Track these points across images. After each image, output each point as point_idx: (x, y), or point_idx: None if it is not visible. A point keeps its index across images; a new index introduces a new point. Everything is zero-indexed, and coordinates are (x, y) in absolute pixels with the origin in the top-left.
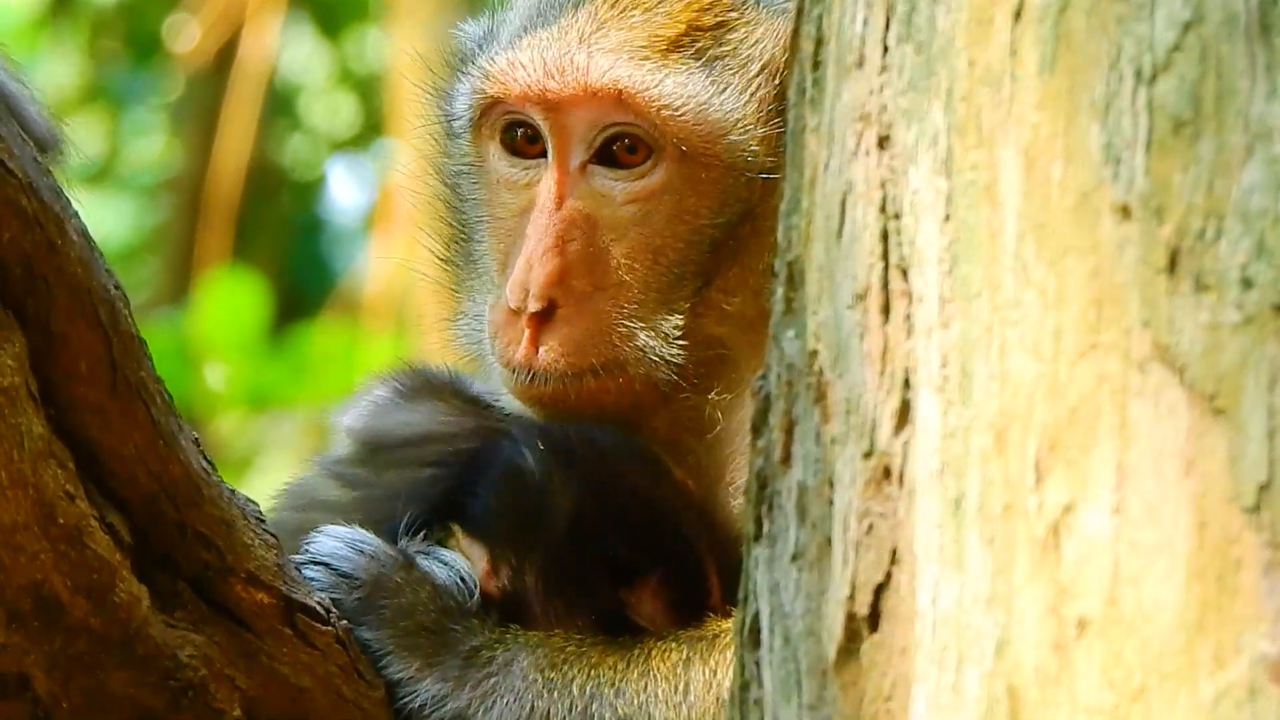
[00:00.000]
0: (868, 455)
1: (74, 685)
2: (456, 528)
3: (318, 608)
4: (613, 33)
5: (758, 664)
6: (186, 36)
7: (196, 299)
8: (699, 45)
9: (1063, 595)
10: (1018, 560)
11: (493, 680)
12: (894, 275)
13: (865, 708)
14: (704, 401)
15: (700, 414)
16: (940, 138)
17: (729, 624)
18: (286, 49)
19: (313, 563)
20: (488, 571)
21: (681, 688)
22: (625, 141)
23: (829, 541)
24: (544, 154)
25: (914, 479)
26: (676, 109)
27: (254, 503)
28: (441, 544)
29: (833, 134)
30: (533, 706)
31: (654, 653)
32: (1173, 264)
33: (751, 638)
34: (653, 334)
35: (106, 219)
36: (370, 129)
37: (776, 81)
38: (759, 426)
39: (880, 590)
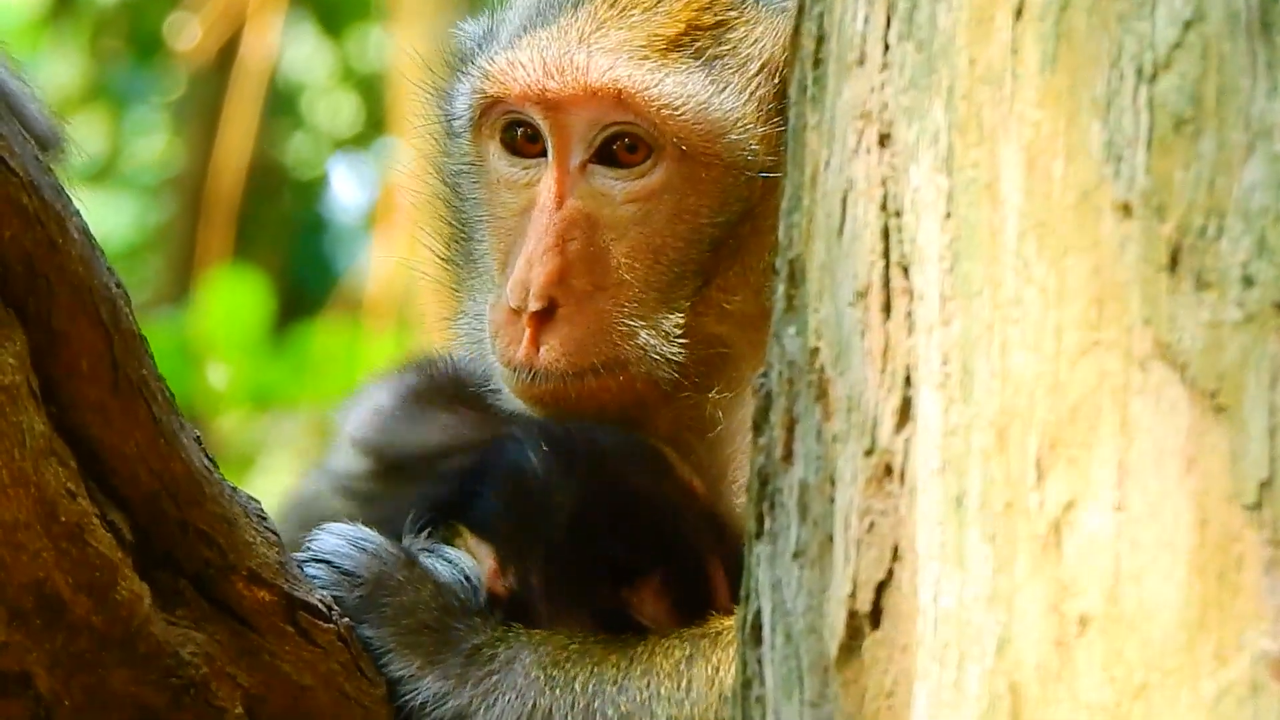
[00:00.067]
0: (869, 453)
1: (75, 683)
2: (463, 528)
3: (319, 605)
4: (612, 32)
5: (759, 661)
6: (188, 35)
7: (198, 298)
8: (698, 44)
9: (1064, 593)
10: (1019, 558)
11: (495, 678)
12: (895, 273)
13: (867, 705)
14: (705, 400)
15: (701, 412)
16: (941, 135)
17: (731, 621)
18: (288, 48)
19: (314, 560)
20: (494, 571)
21: (684, 685)
22: (625, 141)
23: (830, 539)
24: (544, 153)
25: (915, 476)
26: (676, 108)
27: (255, 500)
28: (449, 544)
29: (834, 131)
30: (535, 704)
31: (657, 650)
32: (1174, 262)
33: (753, 635)
34: (653, 333)
35: (108, 218)
36: (372, 128)
37: (776, 80)
38: (760, 424)
39: (882, 588)
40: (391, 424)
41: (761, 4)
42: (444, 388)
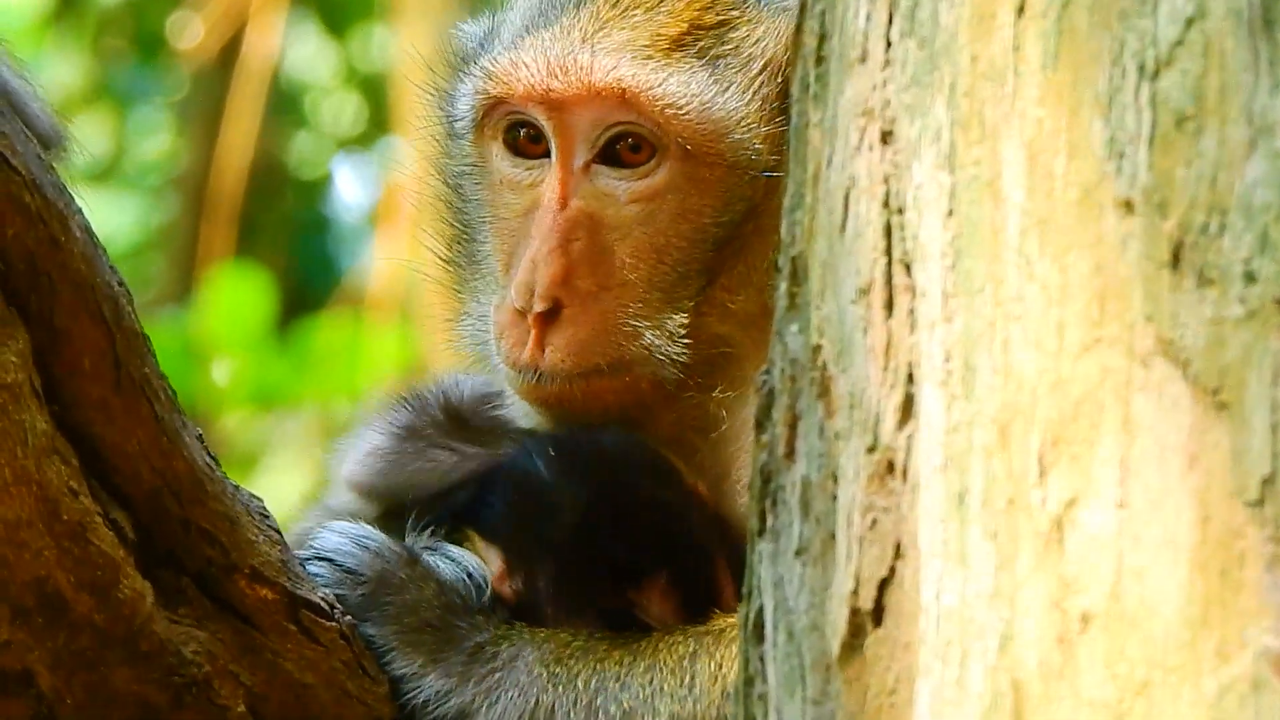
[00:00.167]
0: (871, 450)
1: (77, 682)
2: (472, 532)
3: (322, 604)
4: (615, 32)
5: (762, 659)
6: (190, 34)
7: (201, 296)
8: (701, 44)
9: (1066, 590)
10: (1021, 555)
11: (497, 675)
12: (897, 270)
13: (869, 702)
14: (708, 399)
15: (705, 412)
16: (943, 133)
17: (735, 619)
18: (292, 47)
19: (317, 558)
20: (501, 573)
21: (688, 681)
22: (629, 141)
23: (833, 536)
24: (547, 154)
25: (917, 474)
26: (680, 108)
27: (258, 499)
28: (458, 546)
29: (836, 129)
30: (537, 701)
31: (660, 646)
32: (1176, 259)
33: (755, 633)
34: (658, 333)
35: (112, 217)
36: (375, 128)
37: (779, 79)
38: (763, 422)
39: (884, 585)
40: (386, 465)
41: (763, 3)
42: (438, 423)
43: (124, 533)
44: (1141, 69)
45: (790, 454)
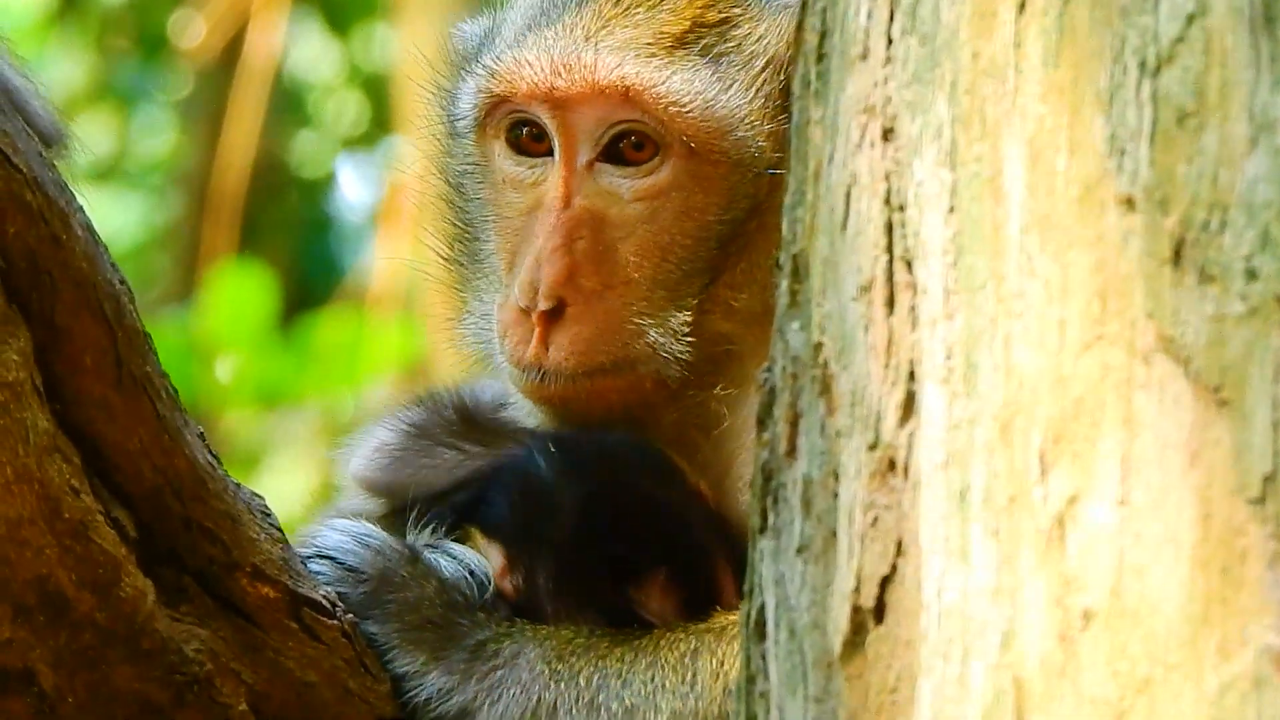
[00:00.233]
0: (873, 447)
1: (79, 680)
2: (473, 529)
3: (323, 602)
4: (618, 30)
5: (763, 657)
6: (192, 33)
7: (204, 295)
8: (704, 42)
9: (1068, 587)
10: (1023, 552)
11: (499, 673)
12: (898, 267)
13: (871, 700)
14: (710, 397)
15: (707, 410)
16: (944, 130)
17: (736, 616)
18: (295, 47)
19: (318, 556)
20: (503, 570)
21: (689, 678)
22: (632, 139)
23: (834, 534)
24: (550, 152)
25: (919, 471)
26: (684, 105)
27: (259, 497)
28: (460, 543)
29: (837, 126)
30: (539, 698)
31: (662, 643)
32: (1177, 256)
33: (757, 630)
34: (662, 331)
35: (115, 216)
36: (378, 127)
37: (781, 77)
38: (764, 419)
39: (885, 583)
40: (395, 462)
41: (765, 1)
42: (448, 422)
43: (125, 531)
44: (1143, 66)
45: (792, 451)
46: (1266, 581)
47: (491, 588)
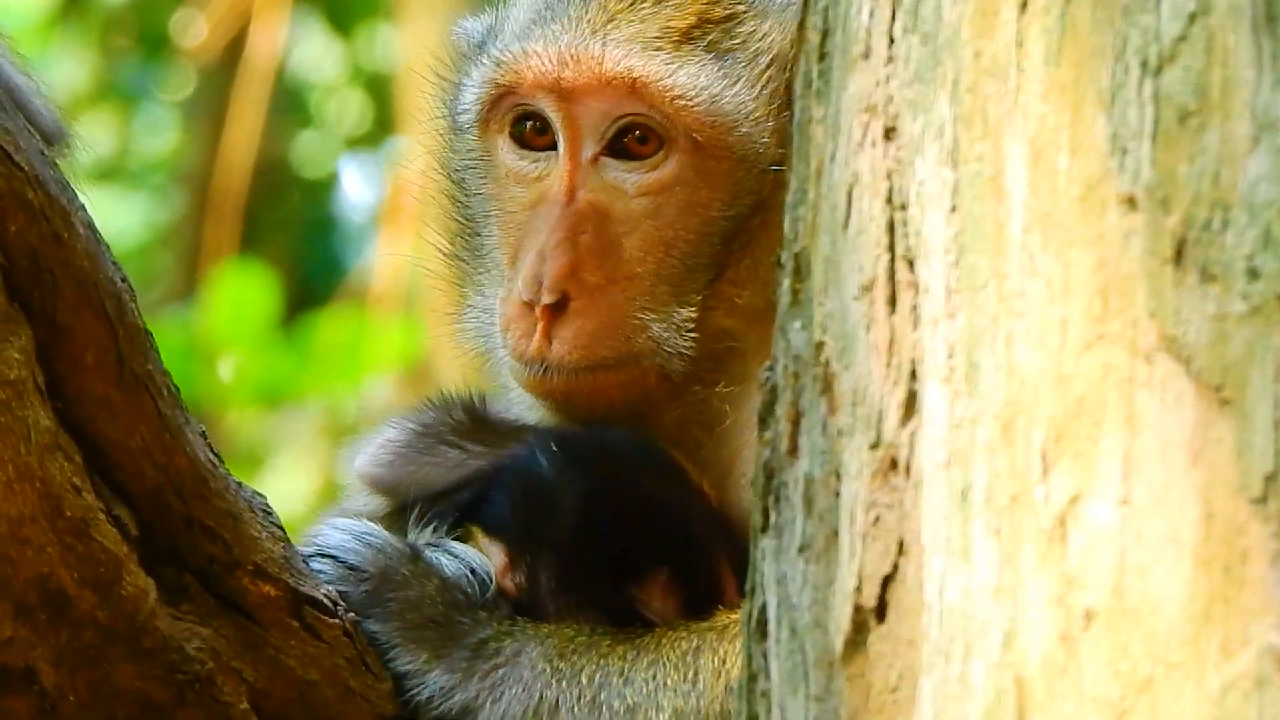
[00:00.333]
0: (874, 446)
1: (80, 678)
2: (475, 528)
3: (325, 600)
4: (625, 24)
5: (765, 655)
6: (194, 32)
7: (207, 293)
8: (710, 38)
9: (1070, 586)
10: (1024, 551)
11: (501, 671)
12: (900, 266)
13: (872, 699)
14: (713, 395)
15: (709, 407)
16: (946, 129)
17: (738, 614)
18: (298, 46)
19: (320, 555)
20: (504, 568)
21: (691, 676)
22: (637, 133)
23: (836, 533)
24: (553, 146)
25: (921, 470)
26: (690, 99)
27: (261, 495)
28: (462, 542)
29: (839, 125)
30: (541, 696)
31: (664, 642)
32: (1179, 255)
33: (759, 629)
34: (665, 326)
35: (118, 215)
36: (381, 127)
37: (785, 74)
38: (766, 418)
39: (887, 582)
40: (399, 459)
41: None
42: (456, 422)
43: (126, 529)
44: (1144, 65)
45: (793, 450)
46: (1268, 581)
47: (493, 586)
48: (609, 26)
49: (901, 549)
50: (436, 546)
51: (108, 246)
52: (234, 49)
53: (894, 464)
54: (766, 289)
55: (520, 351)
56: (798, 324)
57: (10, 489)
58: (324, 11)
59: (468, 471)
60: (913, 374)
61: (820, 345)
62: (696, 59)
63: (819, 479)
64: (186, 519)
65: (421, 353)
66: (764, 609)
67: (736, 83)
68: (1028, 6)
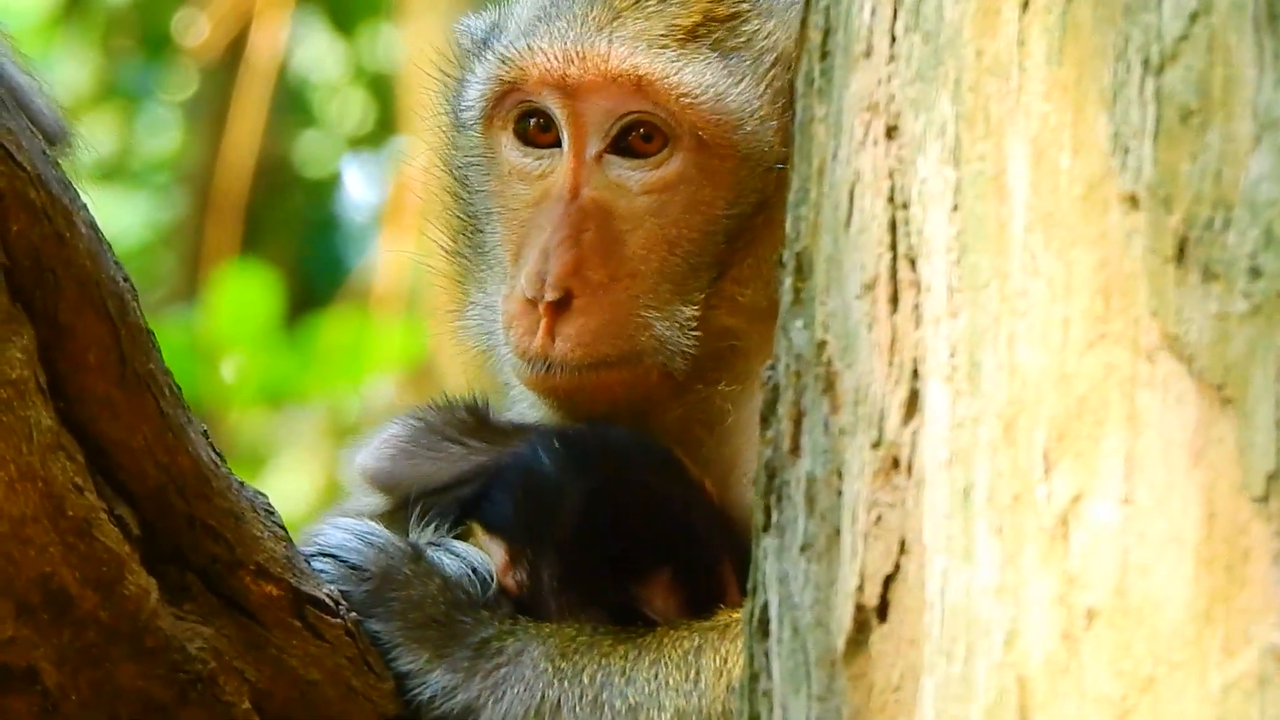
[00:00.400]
0: (876, 445)
1: (82, 678)
2: (475, 525)
3: (327, 600)
4: (630, 22)
5: (767, 655)
6: (196, 32)
7: (209, 294)
8: (715, 36)
9: (1071, 585)
10: (1026, 550)
11: (503, 670)
12: (902, 265)
13: (874, 699)
14: (715, 393)
15: (711, 406)
16: (948, 127)
17: (740, 613)
18: (300, 46)
19: (321, 555)
20: (505, 566)
21: (692, 675)
22: (641, 131)
23: (838, 532)
24: (557, 144)
25: (923, 469)
26: (695, 97)
27: (263, 495)
28: (462, 540)
29: (840, 124)
30: (543, 696)
31: (665, 641)
32: (1181, 254)
33: (760, 629)
34: (668, 324)
35: (120, 215)
36: (384, 127)
37: (790, 73)
38: (767, 417)
39: (889, 581)
40: (400, 454)
41: None
42: (459, 420)
43: (129, 529)
44: (1146, 64)
45: (795, 450)
46: (1270, 580)
47: (494, 585)
48: (614, 24)
49: (903, 548)
50: (438, 545)
51: (110, 246)
52: (236, 49)
53: (896, 463)
54: (769, 288)
55: (523, 349)
56: (800, 323)
57: (12, 488)
58: (326, 11)
59: (469, 466)
60: (915, 373)
61: (822, 344)
62: (702, 57)
63: (821, 478)
64: (189, 518)
65: (424, 353)
66: (766, 608)
67: (741, 81)
68: (1029, 5)
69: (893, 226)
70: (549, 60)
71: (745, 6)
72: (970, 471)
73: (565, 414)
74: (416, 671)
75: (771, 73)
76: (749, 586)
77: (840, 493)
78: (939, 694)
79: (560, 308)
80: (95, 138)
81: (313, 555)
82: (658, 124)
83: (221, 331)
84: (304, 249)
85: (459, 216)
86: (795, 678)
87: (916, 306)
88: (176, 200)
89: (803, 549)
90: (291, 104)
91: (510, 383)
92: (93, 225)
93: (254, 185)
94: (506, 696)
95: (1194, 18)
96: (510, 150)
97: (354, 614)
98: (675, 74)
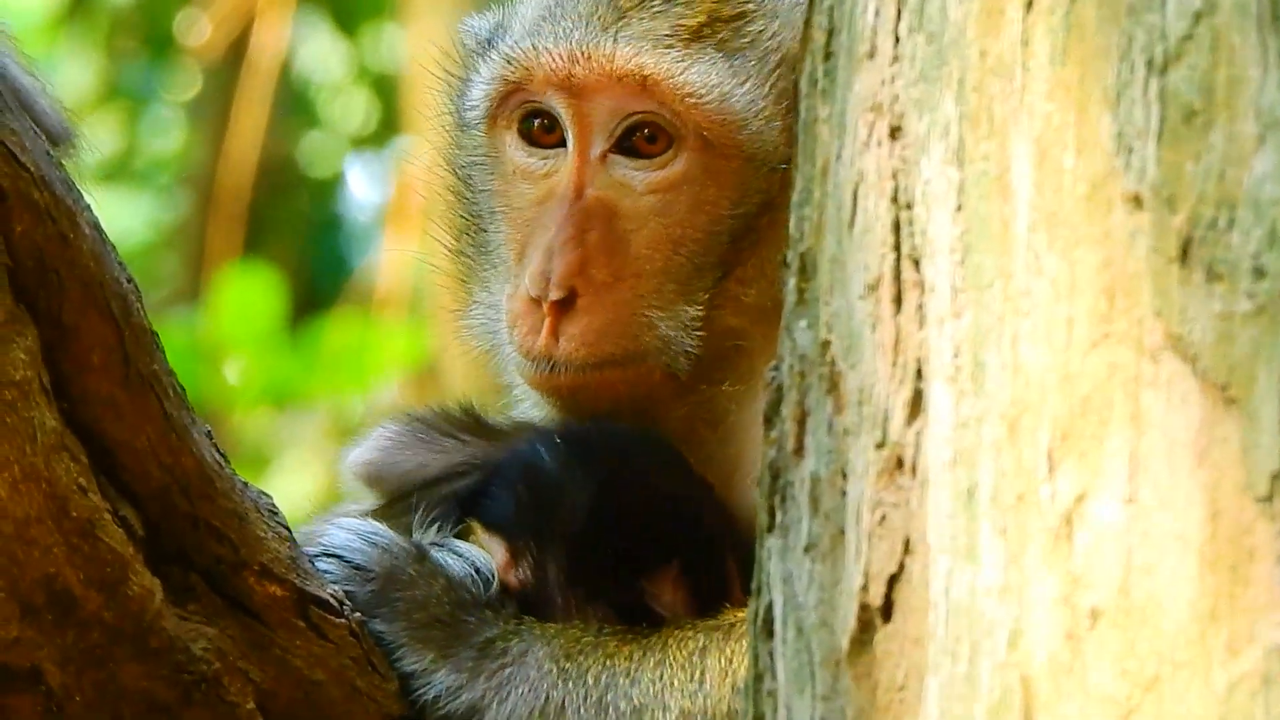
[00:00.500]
0: (880, 445)
1: (86, 679)
2: (475, 523)
3: (331, 600)
4: (635, 21)
5: (771, 655)
6: (198, 32)
7: (212, 295)
8: (720, 36)
9: (1075, 585)
10: (1030, 550)
11: (508, 671)
12: (906, 265)
13: (879, 698)
14: (719, 393)
15: (715, 406)
16: (952, 128)
17: (745, 613)
18: (303, 46)
19: (325, 555)
20: (507, 563)
21: (697, 676)
22: (645, 131)
23: (842, 532)
24: (562, 143)
25: (927, 469)
26: (700, 97)
27: (266, 495)
28: (461, 538)
29: (844, 124)
30: (548, 697)
31: (670, 642)
32: (1185, 253)
33: (765, 629)
34: (672, 324)
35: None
36: (387, 127)
37: (795, 73)
38: (771, 417)
39: (893, 581)
40: (392, 446)
41: None
42: (453, 418)
43: (133, 529)
44: (1150, 64)
45: (799, 450)
46: (1275, 579)
47: (496, 584)
48: (620, 24)
49: (908, 548)
50: (441, 545)
51: (113, 247)
52: (239, 49)
53: (900, 463)
54: (773, 288)
55: (527, 348)
56: (803, 323)
57: (16, 489)
58: (329, 11)
59: (464, 457)
60: (918, 373)
61: (826, 344)
62: (707, 57)
63: (825, 478)
64: (192, 519)
65: (428, 355)
66: (770, 608)
67: (746, 81)
68: (1033, 6)
69: (896, 227)
70: (554, 60)
71: (750, 7)
72: (974, 471)
73: (569, 413)
74: (421, 672)
75: (776, 73)
76: (753, 587)
77: (844, 493)
78: (943, 693)
79: (564, 307)
80: (98, 138)
81: (317, 555)
82: (662, 124)
83: (225, 332)
84: (307, 249)
85: (463, 216)
86: (800, 678)
87: (920, 307)
88: (179, 201)
89: (807, 549)
90: (294, 104)
91: (514, 382)
92: (96, 226)
93: (257, 186)
94: (511, 697)
95: (1198, 18)
96: (514, 150)
97: (358, 614)
98: (680, 74)
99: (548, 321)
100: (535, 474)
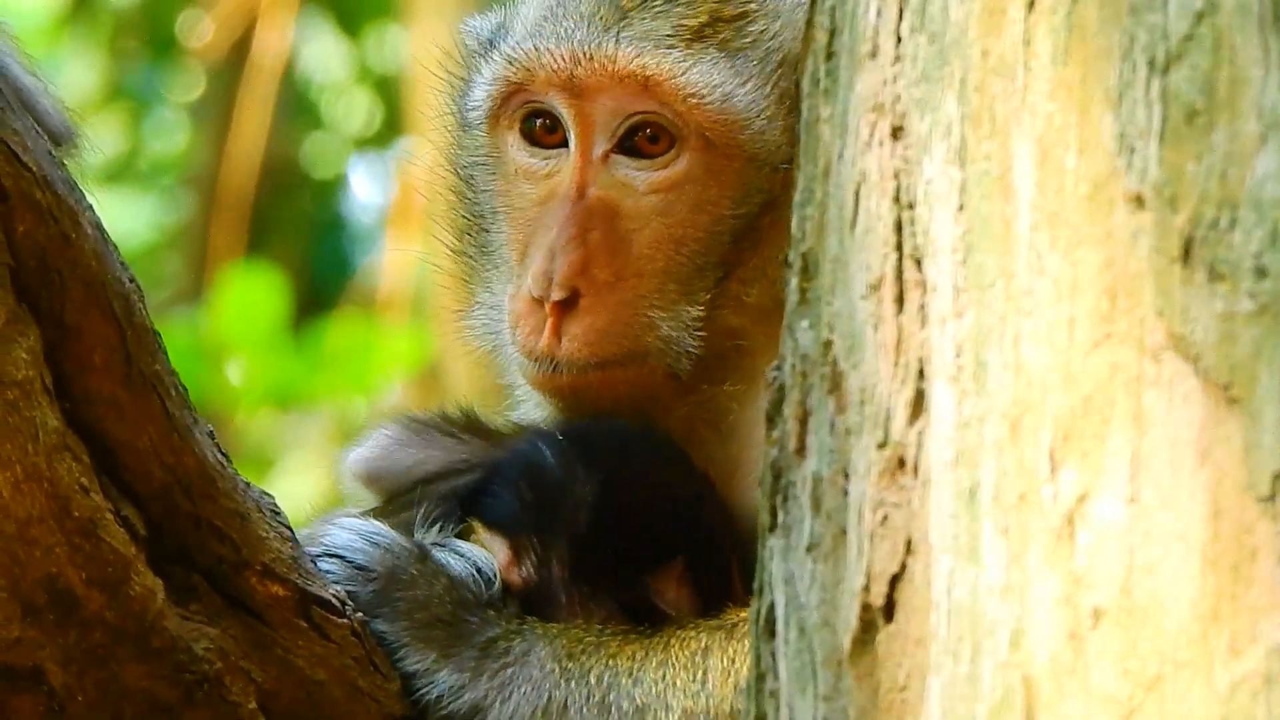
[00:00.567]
0: (882, 445)
1: (88, 678)
2: (476, 522)
3: (333, 600)
4: (637, 22)
5: (773, 655)
6: (201, 33)
7: (215, 295)
8: (722, 36)
9: (1077, 585)
10: (1032, 550)
11: (510, 670)
12: (908, 265)
13: (880, 698)
14: (720, 393)
15: (717, 405)
16: (954, 128)
17: (747, 613)
18: (306, 46)
19: (327, 555)
20: (510, 562)
21: (699, 676)
22: (647, 131)
23: (844, 532)
24: (564, 144)
25: (928, 469)
26: (702, 97)
27: (268, 495)
28: (461, 538)
29: (846, 124)
30: (550, 696)
31: (672, 642)
32: (1186, 253)
33: (767, 629)
34: (674, 324)
35: (126, 216)
36: (390, 127)
37: (797, 73)
38: (773, 417)
39: (895, 581)
40: (392, 445)
41: None
42: (452, 419)
43: (135, 529)
44: (1152, 64)
45: (801, 450)
46: (1277, 579)
47: (498, 584)
48: (622, 24)
49: (909, 548)
50: (443, 546)
51: (116, 247)
52: (241, 50)
53: (902, 463)
54: (775, 288)
55: (529, 348)
56: (805, 323)
57: (18, 489)
58: (332, 12)
59: (462, 455)
60: (920, 373)
61: (828, 344)
62: (709, 57)
63: (827, 478)
64: (194, 519)
65: (430, 356)
66: (772, 608)
67: (748, 81)
68: (1035, 6)
69: (898, 227)
70: (556, 61)
71: (752, 7)
72: (976, 471)
73: (571, 413)
74: (423, 671)
75: (778, 73)
76: (755, 586)
77: (846, 493)
78: (945, 693)
79: (566, 307)
80: (101, 139)
81: (319, 555)
82: (664, 124)
83: (227, 333)
84: (310, 250)
85: (465, 216)
86: (802, 678)
87: (922, 306)
88: (182, 201)
89: (809, 549)
90: (297, 105)
91: (516, 383)
92: (98, 226)
93: (260, 186)
94: (513, 697)
95: (1199, 18)
96: (516, 150)
97: (360, 614)
98: (682, 74)
99: (550, 322)
100: (537, 472)
